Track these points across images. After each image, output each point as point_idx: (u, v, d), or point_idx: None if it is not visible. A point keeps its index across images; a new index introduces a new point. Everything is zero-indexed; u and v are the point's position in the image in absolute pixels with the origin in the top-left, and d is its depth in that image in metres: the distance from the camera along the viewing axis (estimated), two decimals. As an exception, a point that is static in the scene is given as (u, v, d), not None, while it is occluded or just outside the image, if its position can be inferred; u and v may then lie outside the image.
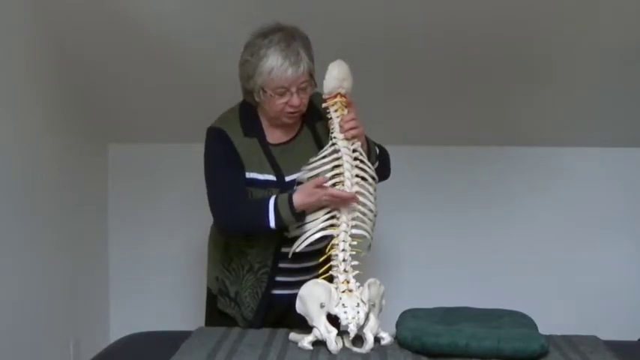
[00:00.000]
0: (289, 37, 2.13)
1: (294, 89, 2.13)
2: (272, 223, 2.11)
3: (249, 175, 2.20)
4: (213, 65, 2.83)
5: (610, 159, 3.28)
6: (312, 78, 2.18)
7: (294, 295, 2.03)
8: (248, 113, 2.25)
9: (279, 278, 2.25)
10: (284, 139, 2.26)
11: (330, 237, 2.07)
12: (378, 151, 2.29)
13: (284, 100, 2.14)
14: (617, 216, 3.31)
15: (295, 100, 2.14)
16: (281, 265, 2.23)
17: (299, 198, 2.09)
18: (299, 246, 2.10)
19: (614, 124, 3.15)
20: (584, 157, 3.29)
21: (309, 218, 2.11)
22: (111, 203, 3.37)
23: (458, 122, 3.16)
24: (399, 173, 3.33)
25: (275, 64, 2.09)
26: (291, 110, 2.17)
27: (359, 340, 1.92)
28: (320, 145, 2.21)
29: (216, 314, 2.35)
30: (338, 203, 2.07)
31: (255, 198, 2.19)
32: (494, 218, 3.32)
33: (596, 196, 3.30)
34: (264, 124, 2.25)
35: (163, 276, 3.35)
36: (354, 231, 2.07)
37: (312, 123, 2.27)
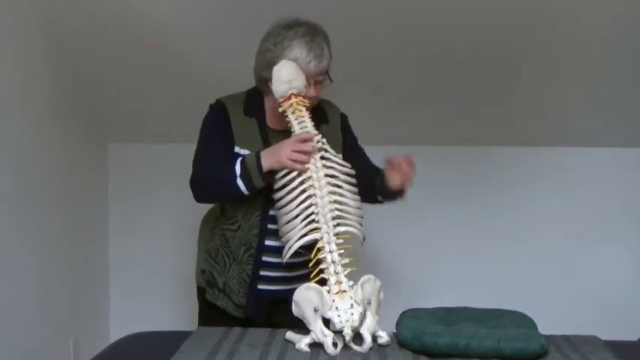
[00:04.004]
0: (313, 31, 2.18)
1: (311, 81, 2.17)
2: (237, 171, 2.11)
3: (240, 150, 2.21)
4: (213, 65, 2.84)
5: (610, 159, 3.28)
6: (328, 74, 2.21)
7: (280, 292, 2.10)
8: (254, 96, 2.29)
9: (263, 272, 2.26)
10: (286, 127, 2.24)
11: (315, 240, 2.03)
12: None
13: None
14: (617, 216, 3.31)
15: (312, 92, 2.18)
16: (264, 258, 2.25)
17: (267, 150, 2.12)
18: (285, 255, 2.09)
19: (614, 124, 3.15)
20: (584, 157, 3.29)
21: (286, 228, 2.08)
22: (111, 203, 3.37)
23: (457, 122, 3.16)
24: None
25: (299, 55, 2.14)
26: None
27: (358, 338, 1.92)
28: None
29: (205, 307, 2.38)
30: (304, 155, 2.07)
31: None
32: (494, 218, 3.32)
33: (596, 196, 3.30)
34: (268, 109, 2.28)
35: (163, 276, 3.35)
36: (338, 229, 2.05)
37: (318, 124, 2.26)
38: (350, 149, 2.32)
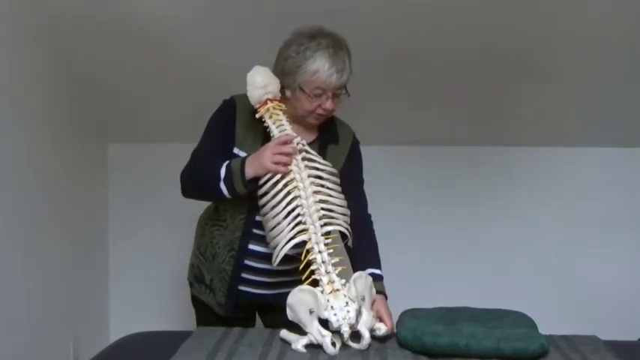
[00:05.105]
0: (337, 44, 2.14)
1: (330, 94, 2.14)
2: (222, 175, 2.10)
3: (239, 152, 2.20)
4: (213, 66, 2.84)
5: (610, 159, 3.28)
6: (346, 89, 2.19)
7: (264, 295, 2.15)
8: None
9: (245, 275, 2.26)
10: None
11: (303, 243, 2.03)
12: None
13: (318, 102, 2.15)
14: (617, 216, 3.31)
15: (329, 105, 2.15)
16: (247, 262, 2.25)
17: (250, 157, 2.10)
18: (275, 260, 2.08)
19: (614, 124, 3.15)
20: (584, 157, 3.29)
21: (274, 232, 2.07)
22: (111, 203, 3.37)
23: (458, 122, 3.16)
24: (398, 173, 3.34)
25: (321, 67, 2.10)
26: (322, 112, 2.18)
27: (356, 335, 1.92)
28: None
29: (193, 301, 2.39)
30: (285, 157, 2.06)
31: None
32: (494, 218, 3.32)
33: (596, 196, 3.30)
34: None
35: (163, 276, 3.35)
36: (326, 228, 2.04)
37: (326, 143, 2.26)
38: (347, 175, 2.22)
